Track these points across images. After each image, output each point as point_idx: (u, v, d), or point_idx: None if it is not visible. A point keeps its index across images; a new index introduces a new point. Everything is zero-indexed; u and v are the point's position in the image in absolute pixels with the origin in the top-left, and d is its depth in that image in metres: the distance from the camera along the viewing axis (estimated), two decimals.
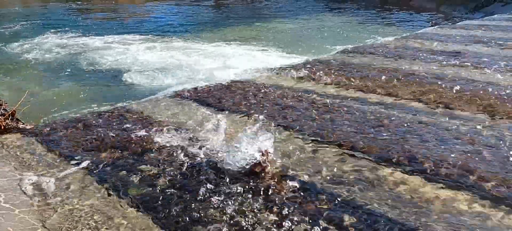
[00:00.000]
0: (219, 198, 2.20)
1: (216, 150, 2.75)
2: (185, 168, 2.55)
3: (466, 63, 5.07)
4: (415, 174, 2.43)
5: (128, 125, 3.31)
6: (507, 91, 3.92)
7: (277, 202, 2.16)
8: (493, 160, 2.57)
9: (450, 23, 9.70)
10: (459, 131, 3.04)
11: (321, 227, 1.96)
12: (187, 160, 2.64)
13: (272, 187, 2.30)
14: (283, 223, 1.99)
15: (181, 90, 4.32)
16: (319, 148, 2.80)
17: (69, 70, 7.62)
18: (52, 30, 12.12)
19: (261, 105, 3.73)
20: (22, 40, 10.68)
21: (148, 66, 7.41)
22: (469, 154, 2.65)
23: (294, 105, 3.70)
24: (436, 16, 14.73)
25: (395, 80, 4.41)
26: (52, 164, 2.66)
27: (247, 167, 2.47)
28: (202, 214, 2.07)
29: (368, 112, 3.46)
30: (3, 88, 6.42)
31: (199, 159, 2.66)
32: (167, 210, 2.12)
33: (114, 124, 3.35)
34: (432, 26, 10.38)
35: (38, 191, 2.33)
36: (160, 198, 2.23)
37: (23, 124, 3.40)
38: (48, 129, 3.29)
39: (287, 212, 2.07)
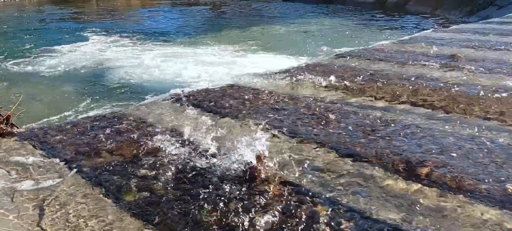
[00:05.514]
0: (215, 203, 2.18)
1: (212, 154, 2.74)
2: (180, 172, 2.54)
3: (460, 67, 5.09)
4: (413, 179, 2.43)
5: (124, 129, 3.29)
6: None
7: (272, 205, 2.16)
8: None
9: (445, 27, 9.75)
10: (460, 134, 3.05)
11: None
12: (183, 164, 2.63)
13: (267, 191, 2.29)
14: (279, 226, 1.98)
15: (177, 93, 4.31)
16: (315, 152, 2.80)
17: (65, 74, 7.60)
18: (47, 34, 12.09)
19: (257, 109, 3.72)
20: (14, 44, 10.66)
21: (144, 69, 7.41)
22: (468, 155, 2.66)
23: (291, 109, 3.70)
24: (431, 20, 14.82)
25: (391, 83, 4.42)
26: (47, 169, 2.64)
27: (243, 171, 2.47)
28: (197, 219, 2.06)
29: (365, 116, 3.47)
30: None
31: (194, 163, 2.65)
32: (163, 215, 2.11)
33: (110, 127, 3.34)
34: (427, 29, 10.43)
35: (33, 196, 2.31)
36: (156, 203, 2.22)
37: (18, 128, 3.38)
38: (43, 133, 3.27)
39: (282, 216, 2.06)
